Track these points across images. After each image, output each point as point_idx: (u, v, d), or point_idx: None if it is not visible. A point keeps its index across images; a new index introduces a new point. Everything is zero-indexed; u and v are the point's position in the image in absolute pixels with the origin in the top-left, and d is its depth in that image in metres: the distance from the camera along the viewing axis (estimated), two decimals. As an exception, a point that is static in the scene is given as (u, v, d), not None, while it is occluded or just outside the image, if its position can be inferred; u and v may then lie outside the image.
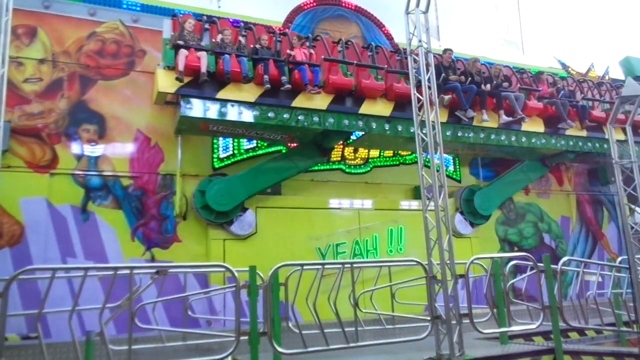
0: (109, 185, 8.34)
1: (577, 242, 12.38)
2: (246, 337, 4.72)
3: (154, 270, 5.09)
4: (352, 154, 10.39)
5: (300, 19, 10.50)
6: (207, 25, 8.58)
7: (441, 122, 8.96)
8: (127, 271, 4.68)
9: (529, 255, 6.61)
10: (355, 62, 8.88)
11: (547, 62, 13.64)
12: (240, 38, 8.46)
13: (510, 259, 7.32)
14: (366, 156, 10.51)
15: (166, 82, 7.66)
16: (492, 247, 11.01)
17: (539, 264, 6.33)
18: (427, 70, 6.16)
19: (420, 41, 6.16)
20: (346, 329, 5.28)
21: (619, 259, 9.11)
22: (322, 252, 9.34)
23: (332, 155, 10.08)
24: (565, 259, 6.81)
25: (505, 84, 10.10)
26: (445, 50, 9.88)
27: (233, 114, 7.90)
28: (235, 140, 9.42)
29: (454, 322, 5.41)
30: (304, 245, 9.13)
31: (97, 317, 4.50)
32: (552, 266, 6.33)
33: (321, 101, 8.46)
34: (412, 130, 7.67)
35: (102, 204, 8.23)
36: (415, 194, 10.47)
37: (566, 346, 6.18)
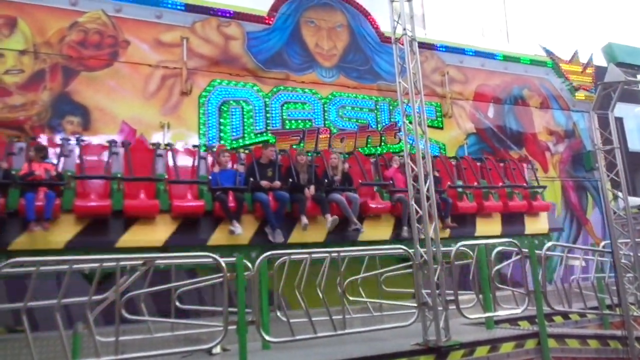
0: (95, 177, 8.22)
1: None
2: (234, 327, 4.74)
3: (140, 262, 5.06)
4: (339, 144, 10.39)
5: (285, 7, 10.44)
6: None
7: (246, 244, 7.24)
8: (114, 263, 4.66)
9: (513, 241, 6.70)
10: None
11: (532, 49, 13.70)
12: None
13: (496, 245, 7.40)
14: (352, 146, 10.50)
15: None
16: (479, 234, 11.09)
17: (523, 250, 6.43)
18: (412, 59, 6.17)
19: (404, 29, 6.15)
20: (334, 317, 5.32)
21: (602, 243, 9.26)
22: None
23: (319, 145, 10.11)
24: (549, 244, 6.91)
25: (337, 178, 8.05)
26: (265, 145, 8.22)
27: None
28: (223, 132, 9.38)
29: (440, 308, 5.47)
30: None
31: (84, 309, 4.48)
32: (537, 252, 6.42)
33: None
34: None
35: (87, 196, 8.12)
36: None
37: (550, 330, 6.29)
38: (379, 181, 8.70)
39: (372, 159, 9.25)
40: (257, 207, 7.38)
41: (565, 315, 7.68)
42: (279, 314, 5.88)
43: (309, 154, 8.42)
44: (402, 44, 6.19)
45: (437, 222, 5.75)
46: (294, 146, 9.74)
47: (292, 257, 5.67)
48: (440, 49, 12.06)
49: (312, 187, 7.71)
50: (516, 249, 6.62)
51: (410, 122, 6.05)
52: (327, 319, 5.31)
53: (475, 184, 9.50)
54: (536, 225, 9.83)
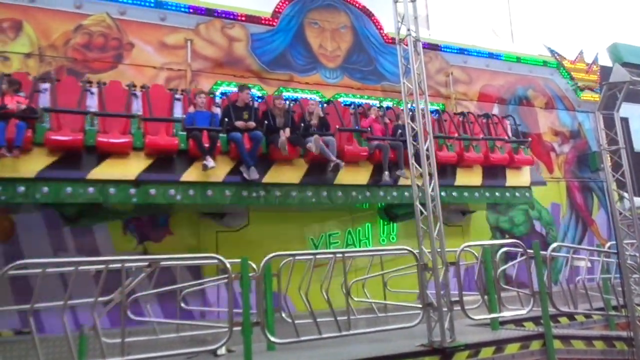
0: (100, 179, 8.24)
1: (567, 229, 12.50)
2: (239, 328, 4.75)
3: (145, 263, 5.08)
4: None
5: (289, 9, 10.44)
6: None
7: (220, 182, 7.37)
8: (119, 264, 4.68)
9: (518, 242, 6.69)
10: None
11: (537, 50, 13.68)
12: None
13: (501, 245, 7.39)
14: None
15: None
16: (484, 235, 11.08)
17: (529, 251, 6.41)
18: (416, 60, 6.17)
19: (408, 30, 6.15)
20: (339, 318, 5.33)
21: (608, 244, 9.21)
22: (315, 243, 9.38)
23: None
24: (554, 245, 6.89)
25: (313, 122, 7.92)
26: (241, 88, 8.00)
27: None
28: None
29: (445, 309, 5.47)
30: (296, 235, 9.15)
31: (90, 311, 4.51)
32: (542, 252, 6.41)
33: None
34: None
35: (93, 198, 8.14)
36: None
37: (556, 331, 6.28)
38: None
39: (351, 109, 9.14)
40: (232, 148, 7.36)
41: (570, 317, 7.66)
42: (283, 315, 5.89)
43: (287, 101, 8.34)
44: (406, 45, 6.19)
45: (441, 224, 5.74)
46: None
47: (297, 257, 5.69)
48: (446, 49, 12.03)
49: (288, 130, 7.61)
50: (521, 250, 6.61)
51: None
52: (332, 320, 5.32)
53: (456, 135, 9.38)
54: (518, 178, 9.82)
